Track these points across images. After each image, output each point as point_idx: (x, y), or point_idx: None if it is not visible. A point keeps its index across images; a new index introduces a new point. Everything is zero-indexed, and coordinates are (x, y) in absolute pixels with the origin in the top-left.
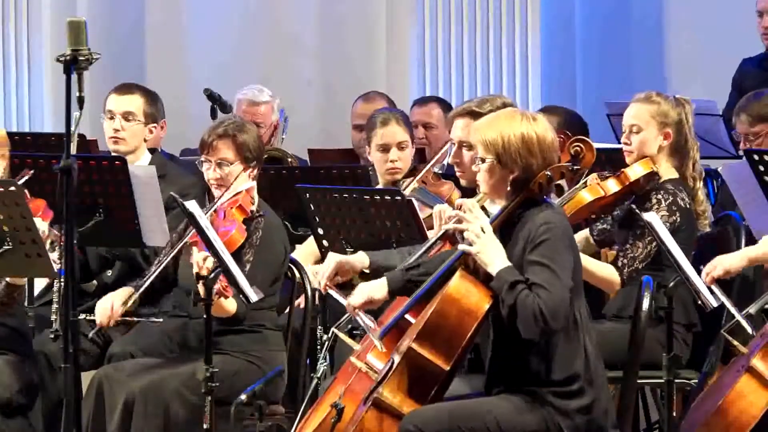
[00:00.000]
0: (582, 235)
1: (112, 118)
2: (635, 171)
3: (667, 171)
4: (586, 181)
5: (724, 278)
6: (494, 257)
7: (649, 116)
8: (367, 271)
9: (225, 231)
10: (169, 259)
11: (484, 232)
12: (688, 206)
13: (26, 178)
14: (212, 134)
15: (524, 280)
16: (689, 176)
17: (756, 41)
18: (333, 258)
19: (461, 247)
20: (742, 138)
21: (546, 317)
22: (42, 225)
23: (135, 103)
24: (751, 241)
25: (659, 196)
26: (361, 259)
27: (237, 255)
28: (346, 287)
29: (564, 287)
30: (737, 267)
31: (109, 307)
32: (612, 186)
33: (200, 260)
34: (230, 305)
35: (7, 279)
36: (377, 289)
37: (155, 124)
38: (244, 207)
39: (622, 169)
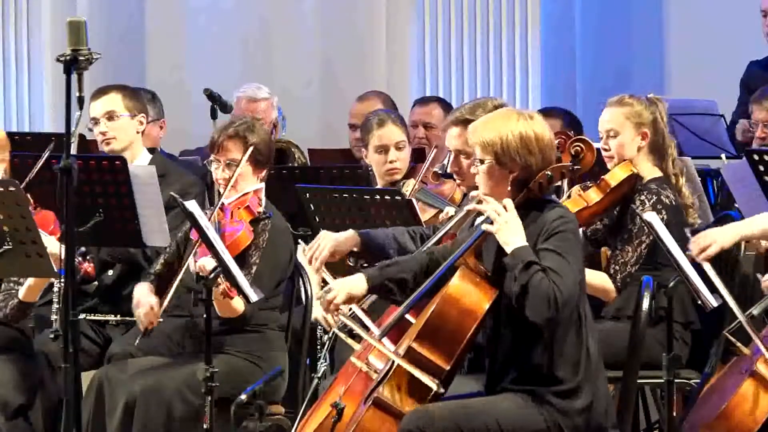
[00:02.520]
0: None
1: (97, 123)
2: (615, 176)
3: (650, 171)
4: (570, 194)
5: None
6: (513, 235)
7: (624, 118)
8: (357, 249)
9: (232, 231)
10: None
11: (506, 210)
12: (674, 203)
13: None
14: (222, 134)
15: (539, 263)
16: (671, 174)
17: (756, 41)
18: (327, 240)
19: (484, 226)
20: (760, 125)
21: (558, 304)
22: (53, 246)
23: (113, 100)
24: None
25: (643, 197)
26: (353, 239)
27: (243, 256)
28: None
29: (576, 278)
30: (731, 244)
31: (149, 308)
32: (594, 195)
33: (204, 266)
34: (238, 304)
35: (20, 297)
36: (356, 285)
37: (143, 115)
38: (252, 208)
39: (602, 177)
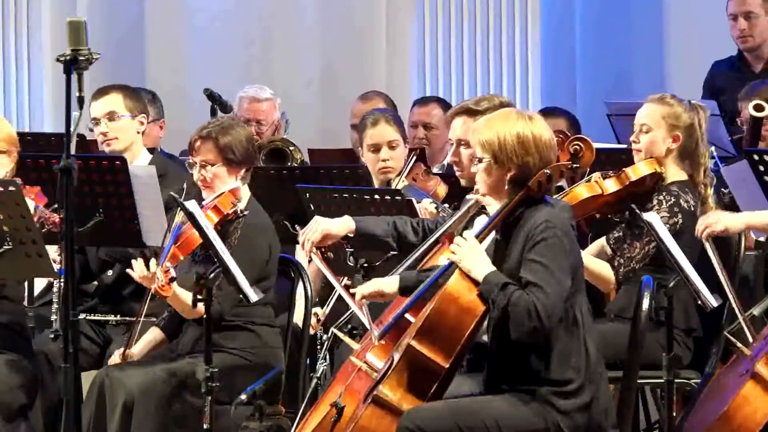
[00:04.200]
0: (598, 244)
1: (97, 124)
2: (637, 170)
3: (675, 174)
4: (590, 179)
5: (720, 235)
6: (477, 263)
7: (660, 117)
8: (352, 235)
9: (186, 229)
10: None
11: (465, 240)
12: (692, 208)
13: None
14: (196, 136)
15: (514, 283)
16: (700, 182)
17: None
18: (320, 225)
19: (449, 256)
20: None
21: (540, 315)
22: (29, 203)
23: (113, 101)
24: None
25: (661, 197)
26: (347, 225)
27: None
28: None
29: (560, 287)
30: (736, 230)
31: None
32: (611, 185)
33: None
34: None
35: None
36: (388, 284)
37: (143, 115)
38: (220, 208)
39: (624, 168)
